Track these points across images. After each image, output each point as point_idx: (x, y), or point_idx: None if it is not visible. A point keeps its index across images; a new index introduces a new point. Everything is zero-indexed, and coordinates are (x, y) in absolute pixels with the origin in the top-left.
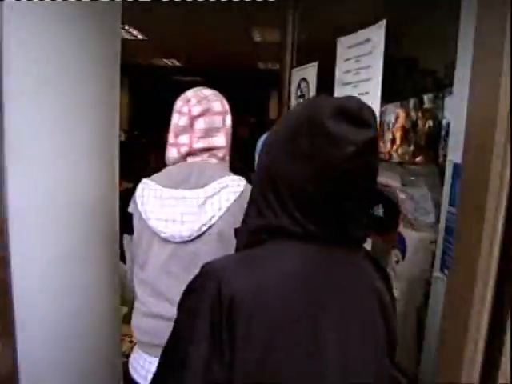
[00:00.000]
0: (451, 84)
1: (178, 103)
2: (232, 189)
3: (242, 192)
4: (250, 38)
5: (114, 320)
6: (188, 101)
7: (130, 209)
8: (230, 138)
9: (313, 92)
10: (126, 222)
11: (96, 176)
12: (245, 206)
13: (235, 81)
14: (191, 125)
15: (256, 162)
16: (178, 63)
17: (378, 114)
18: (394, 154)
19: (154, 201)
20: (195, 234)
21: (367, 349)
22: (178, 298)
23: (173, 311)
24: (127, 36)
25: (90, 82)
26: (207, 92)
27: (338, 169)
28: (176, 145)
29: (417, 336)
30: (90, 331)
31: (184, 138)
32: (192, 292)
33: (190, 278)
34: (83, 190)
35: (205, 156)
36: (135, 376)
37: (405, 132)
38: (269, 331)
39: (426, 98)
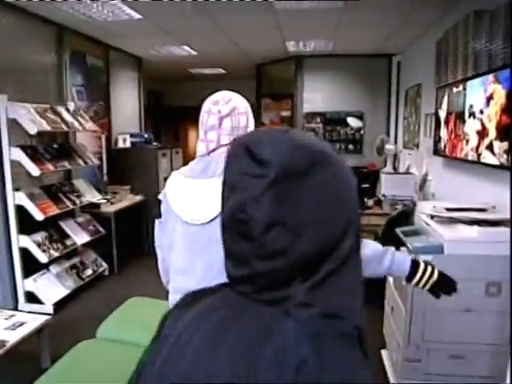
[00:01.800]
0: None
1: (208, 104)
2: None
3: None
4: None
5: None
6: (217, 102)
7: (160, 196)
8: None
9: None
10: (157, 208)
11: None
12: None
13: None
14: (220, 124)
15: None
16: (192, 51)
17: None
18: (485, 153)
19: (178, 190)
20: (210, 217)
21: None
22: (201, 274)
23: (197, 286)
24: (125, 16)
25: None
26: (232, 94)
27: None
28: (205, 141)
29: None
30: None
31: (212, 135)
32: None
33: (210, 255)
34: None
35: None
36: None
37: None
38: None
39: None
